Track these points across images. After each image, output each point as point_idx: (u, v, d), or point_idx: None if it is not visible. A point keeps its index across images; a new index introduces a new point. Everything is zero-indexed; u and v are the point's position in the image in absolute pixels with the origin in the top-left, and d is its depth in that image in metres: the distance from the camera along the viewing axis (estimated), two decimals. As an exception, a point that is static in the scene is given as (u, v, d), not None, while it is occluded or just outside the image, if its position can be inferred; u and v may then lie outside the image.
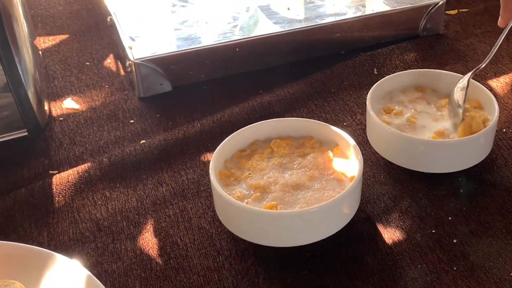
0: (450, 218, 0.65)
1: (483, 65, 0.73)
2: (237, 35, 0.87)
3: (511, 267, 0.59)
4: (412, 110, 0.74)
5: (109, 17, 0.95)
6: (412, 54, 0.92)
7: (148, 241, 0.64)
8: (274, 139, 0.68)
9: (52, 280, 0.57)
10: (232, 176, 0.64)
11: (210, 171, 0.62)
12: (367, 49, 0.92)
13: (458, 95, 0.71)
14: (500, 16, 0.73)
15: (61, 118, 0.83)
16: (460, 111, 0.69)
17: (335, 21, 0.90)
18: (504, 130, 0.76)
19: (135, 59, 0.83)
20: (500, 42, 0.72)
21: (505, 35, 0.72)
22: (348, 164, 0.65)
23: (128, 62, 0.84)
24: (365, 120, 0.78)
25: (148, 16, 0.93)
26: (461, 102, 0.70)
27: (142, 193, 0.70)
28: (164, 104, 0.84)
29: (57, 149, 0.77)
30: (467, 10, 1.02)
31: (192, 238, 0.64)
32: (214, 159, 0.64)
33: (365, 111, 0.80)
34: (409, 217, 0.65)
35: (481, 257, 0.60)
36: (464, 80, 0.72)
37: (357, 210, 0.63)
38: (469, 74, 0.72)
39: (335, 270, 0.60)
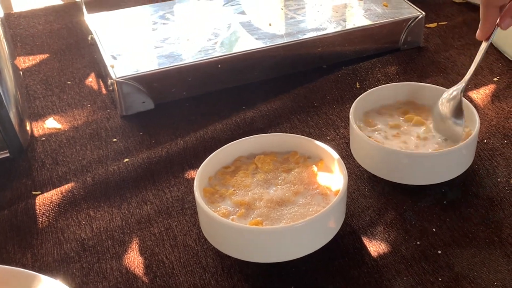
0: (434, 229, 0.66)
1: (468, 77, 0.73)
2: (218, 52, 0.88)
3: (495, 277, 0.60)
4: (395, 123, 0.75)
5: (90, 35, 0.95)
6: (393, 67, 0.94)
7: (134, 260, 0.65)
8: (258, 155, 0.69)
9: (37, 302, 0.57)
10: (217, 193, 0.65)
11: (195, 188, 0.63)
12: (349, 63, 0.94)
13: (445, 107, 0.73)
14: (479, 29, 0.71)
15: (43, 138, 0.83)
16: (451, 122, 0.71)
17: (316, 36, 0.92)
18: (485, 141, 0.78)
19: (117, 78, 0.84)
20: (482, 56, 0.71)
21: (486, 49, 0.71)
22: (333, 178, 0.66)
23: (110, 80, 0.85)
24: (349, 134, 0.79)
25: (129, 34, 0.94)
26: (449, 114, 0.72)
27: (126, 211, 0.71)
28: (147, 122, 0.85)
29: (40, 170, 0.78)
30: (446, 23, 1.05)
31: (178, 256, 0.65)
32: (198, 176, 0.65)
33: (348, 125, 0.81)
34: (394, 230, 0.67)
35: (465, 268, 0.62)
36: (450, 92, 0.73)
37: (342, 224, 0.64)
38: (459, 86, 0.73)
39: (322, 284, 0.61)
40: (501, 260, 0.62)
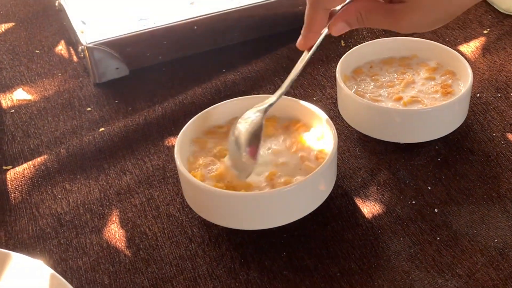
0: (429, 188, 0.64)
1: (275, 98, 0.60)
2: (194, 13, 0.85)
3: (495, 233, 0.59)
4: (383, 79, 0.73)
5: (57, 1, 0.91)
6: (378, 24, 0.91)
7: (115, 233, 0.62)
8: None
9: (12, 282, 0.54)
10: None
11: (176, 154, 0.60)
12: (332, 21, 0.91)
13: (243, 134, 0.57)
14: (301, 36, 0.59)
15: (12, 110, 0.79)
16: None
17: (297, -7, 0.89)
18: (478, 95, 0.76)
19: (88, 43, 0.80)
20: (298, 72, 0.59)
21: (307, 61, 0.59)
22: (322, 139, 0.63)
23: (80, 47, 0.81)
24: (335, 94, 0.77)
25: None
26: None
27: (104, 183, 0.68)
28: (122, 89, 0.82)
29: (10, 143, 0.74)
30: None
31: (162, 227, 0.62)
32: (179, 142, 0.62)
33: (335, 84, 0.79)
34: (388, 190, 0.64)
35: (464, 225, 0.60)
36: (252, 112, 0.59)
37: (334, 187, 0.62)
38: (261, 107, 0.59)
39: (315, 249, 0.59)
40: (501, 216, 0.60)
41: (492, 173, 0.65)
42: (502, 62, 0.81)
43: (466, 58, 0.80)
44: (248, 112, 0.59)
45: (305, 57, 0.59)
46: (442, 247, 0.58)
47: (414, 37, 0.79)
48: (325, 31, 0.59)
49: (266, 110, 0.59)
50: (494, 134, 0.70)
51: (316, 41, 0.59)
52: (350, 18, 0.57)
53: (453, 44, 0.85)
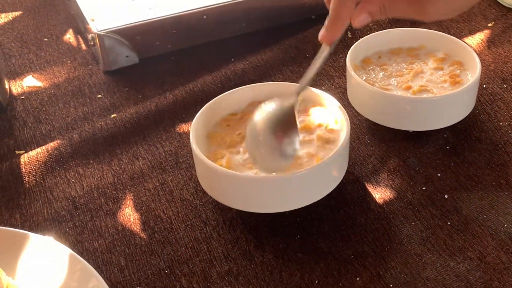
0: (439, 175, 0.65)
1: (296, 99, 0.59)
2: (203, 2, 0.85)
3: (504, 219, 0.60)
4: (392, 69, 0.74)
5: (65, -11, 0.92)
6: (384, 16, 0.92)
7: (129, 216, 0.63)
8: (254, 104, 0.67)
9: (31, 261, 0.55)
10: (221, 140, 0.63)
11: (191, 139, 0.61)
12: (338, 13, 0.92)
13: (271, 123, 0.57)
14: (325, 29, 0.57)
15: (23, 97, 0.80)
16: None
17: (304, -15, 0.90)
18: (484, 86, 0.77)
19: (99, 31, 0.80)
20: (317, 68, 0.58)
21: (325, 58, 0.58)
22: (334, 125, 0.64)
23: (91, 35, 0.82)
24: (344, 83, 0.78)
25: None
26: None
27: (117, 168, 0.69)
28: (132, 77, 0.83)
29: (22, 129, 0.75)
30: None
31: (176, 210, 0.63)
32: (194, 126, 0.63)
33: (343, 74, 0.80)
34: (398, 176, 0.66)
35: (474, 211, 0.61)
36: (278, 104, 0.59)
37: (346, 173, 0.63)
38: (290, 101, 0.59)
39: (328, 233, 0.60)
40: (510, 202, 0.62)
41: (500, 161, 0.67)
42: (507, 54, 0.82)
43: (472, 49, 0.82)
44: (269, 109, 0.59)
45: (324, 51, 0.58)
46: (453, 232, 0.59)
47: (421, 27, 0.80)
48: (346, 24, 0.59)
49: (291, 108, 0.58)
50: (501, 123, 0.71)
51: (340, 34, 0.58)
52: (373, 9, 0.56)
53: (459, 37, 0.86)
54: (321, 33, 0.58)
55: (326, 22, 0.57)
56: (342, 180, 0.62)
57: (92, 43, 0.83)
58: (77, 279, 0.53)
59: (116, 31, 0.81)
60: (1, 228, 0.57)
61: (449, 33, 0.87)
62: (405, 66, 0.75)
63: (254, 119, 0.58)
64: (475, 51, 0.81)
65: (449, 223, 0.60)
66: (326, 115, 0.66)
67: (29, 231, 0.60)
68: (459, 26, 0.89)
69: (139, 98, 0.79)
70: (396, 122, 0.70)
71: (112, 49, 0.82)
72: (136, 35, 0.83)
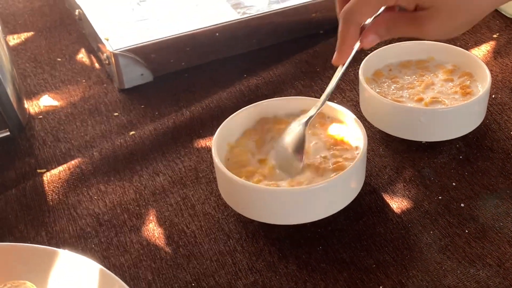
0: (454, 184, 0.67)
1: (315, 112, 0.64)
2: (215, 20, 0.88)
3: (521, 226, 0.62)
4: (403, 81, 0.76)
5: (77, 10, 0.94)
6: (391, 29, 0.94)
7: (154, 231, 0.65)
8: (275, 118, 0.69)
9: (62, 277, 0.56)
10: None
11: (213, 152, 0.63)
12: (346, 27, 0.94)
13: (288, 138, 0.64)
14: (336, 52, 0.61)
15: (40, 116, 0.82)
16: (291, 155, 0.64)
17: (311, 1, 0.92)
18: (493, 96, 0.79)
19: (114, 50, 0.82)
20: (333, 86, 0.63)
21: (339, 77, 0.63)
22: (351, 138, 0.66)
23: (105, 54, 0.84)
24: (355, 96, 0.80)
25: (118, 7, 0.92)
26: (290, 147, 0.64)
27: (139, 184, 0.70)
28: (147, 94, 0.85)
29: (42, 148, 0.76)
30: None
31: (199, 224, 0.65)
32: (216, 140, 0.64)
33: (354, 87, 0.82)
34: (414, 186, 0.67)
35: (490, 219, 0.63)
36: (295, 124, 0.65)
37: (363, 184, 0.65)
38: (302, 120, 0.64)
39: (349, 243, 0.62)
40: (524, 209, 0.64)
41: (513, 169, 0.69)
42: (514, 64, 0.84)
43: (481, 60, 0.84)
44: (292, 125, 0.65)
45: (339, 72, 0.63)
46: (471, 239, 0.61)
47: (430, 40, 0.83)
48: (356, 45, 0.62)
49: (307, 123, 0.63)
50: (511, 132, 0.73)
51: (349, 56, 0.62)
52: (380, 30, 0.60)
53: (465, 48, 0.88)
54: (334, 57, 0.62)
55: (337, 46, 0.61)
56: (360, 192, 0.64)
57: (107, 62, 0.85)
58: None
59: (131, 50, 0.83)
60: (31, 245, 0.59)
61: (455, 44, 0.90)
62: (415, 78, 0.77)
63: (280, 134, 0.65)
64: (483, 62, 0.83)
65: (466, 231, 0.62)
66: (344, 130, 0.68)
67: (56, 248, 0.62)
68: (465, 38, 0.91)
69: (156, 115, 0.81)
70: (410, 134, 0.72)
71: (127, 68, 0.84)
72: (150, 53, 0.85)
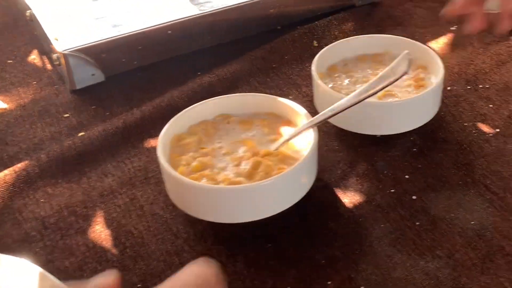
0: (407, 177, 0.68)
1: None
2: (168, 17, 0.88)
3: (472, 216, 0.62)
4: (357, 75, 0.77)
5: (28, 11, 0.93)
6: (350, 24, 0.95)
7: (100, 233, 0.64)
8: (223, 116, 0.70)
9: (2, 282, 0.56)
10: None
11: (158, 153, 0.63)
12: (303, 23, 0.95)
13: None
14: (499, 21, 0.61)
15: (-12, 120, 0.81)
16: None
17: (268, -4, 0.92)
18: (449, 88, 0.80)
19: (63, 51, 0.82)
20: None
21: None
22: (302, 133, 0.67)
23: (55, 54, 0.83)
24: (311, 92, 0.80)
25: (69, 7, 0.92)
26: None
27: (87, 186, 0.70)
28: (99, 95, 0.84)
29: (-12, 152, 0.76)
30: (398, -23, 1.07)
31: (147, 225, 0.65)
32: (161, 140, 0.64)
33: (310, 83, 0.82)
34: (367, 180, 0.68)
35: (442, 210, 0.64)
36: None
37: (315, 179, 0.65)
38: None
39: (299, 240, 0.62)
40: (476, 200, 0.64)
41: (466, 160, 0.69)
42: (470, 56, 0.85)
43: (436, 53, 0.85)
44: None
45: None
46: (422, 231, 0.62)
47: (385, 34, 0.83)
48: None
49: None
50: (465, 124, 0.74)
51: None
52: None
53: (423, 41, 0.89)
54: (498, 27, 0.61)
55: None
56: (312, 187, 0.64)
57: (57, 62, 0.84)
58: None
59: (81, 50, 0.83)
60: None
61: (413, 38, 0.90)
62: (370, 72, 0.78)
63: None
64: (439, 55, 0.84)
65: (417, 223, 0.62)
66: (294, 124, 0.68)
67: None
68: (423, 31, 0.92)
69: (107, 115, 0.81)
70: (364, 128, 0.72)
71: (77, 68, 0.83)
72: (101, 53, 0.84)
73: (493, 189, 0.65)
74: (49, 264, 0.61)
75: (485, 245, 0.59)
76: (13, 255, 0.60)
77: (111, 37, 0.85)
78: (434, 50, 0.85)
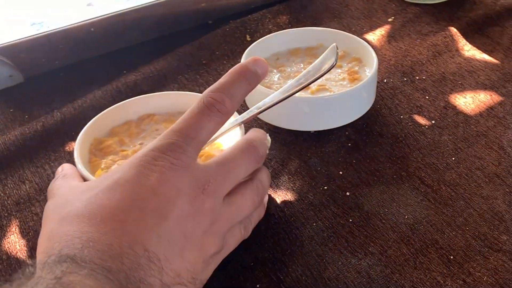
0: (341, 172, 0.68)
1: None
2: (90, 14, 0.87)
3: (405, 211, 0.63)
4: (289, 70, 0.77)
5: None
6: (284, 17, 0.96)
7: (15, 243, 0.63)
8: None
9: None
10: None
11: (76, 158, 0.62)
12: (236, 17, 0.95)
13: None
14: None
15: None
16: None
17: (198, -10, 0.92)
18: (385, 80, 0.81)
19: (-24, 51, 0.81)
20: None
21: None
22: (228, 133, 0.66)
23: (-32, 55, 0.82)
24: (243, 88, 0.80)
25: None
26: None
27: (1, 194, 0.69)
28: (17, 97, 0.83)
29: None
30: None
31: (66, 233, 0.64)
32: (79, 143, 0.64)
33: (241, 78, 0.82)
34: (300, 178, 0.68)
35: (375, 205, 0.64)
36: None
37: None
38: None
39: (227, 241, 0.62)
40: (410, 193, 0.65)
41: (401, 153, 0.70)
42: (407, 48, 0.87)
43: (372, 45, 0.86)
44: None
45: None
46: (355, 228, 0.62)
47: (320, 27, 0.84)
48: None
49: None
50: (401, 116, 0.75)
51: None
52: None
53: (360, 33, 0.91)
54: None
55: None
56: (241, 187, 0.64)
57: (-30, 64, 0.82)
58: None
59: (-4, 50, 0.81)
60: None
61: (350, 30, 0.92)
62: (303, 66, 0.78)
63: None
64: (375, 47, 0.85)
65: (350, 220, 0.63)
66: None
67: None
68: (359, 23, 0.93)
69: (25, 118, 0.79)
70: (296, 124, 0.73)
71: (-8, 69, 0.82)
72: (19, 53, 0.83)
73: (428, 181, 0.66)
74: (-41, 278, 0.60)
75: (418, 239, 0.60)
76: None
77: (30, 36, 0.84)
78: (369, 42, 0.87)
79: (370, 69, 0.75)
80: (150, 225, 0.48)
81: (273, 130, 0.75)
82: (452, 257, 0.59)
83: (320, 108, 0.71)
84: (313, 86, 0.74)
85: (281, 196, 0.66)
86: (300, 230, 0.63)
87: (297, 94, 0.72)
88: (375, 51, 0.76)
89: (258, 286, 0.58)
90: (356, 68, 0.77)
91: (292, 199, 0.66)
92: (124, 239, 0.46)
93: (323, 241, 0.61)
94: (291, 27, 0.93)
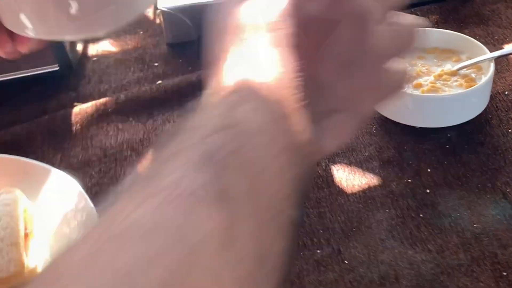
0: (429, 170, 0.63)
1: None
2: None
3: (477, 220, 0.57)
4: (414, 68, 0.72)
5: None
6: (433, 17, 0.88)
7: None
8: None
9: (49, 191, 0.61)
10: None
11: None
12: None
13: None
14: None
15: (95, 58, 0.86)
16: None
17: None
18: (506, 92, 0.73)
19: (163, 8, 0.85)
20: None
21: None
22: None
23: (158, 10, 0.86)
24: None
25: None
26: None
27: (150, 127, 0.73)
28: (189, 50, 0.86)
29: (85, 85, 0.81)
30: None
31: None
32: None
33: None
34: (389, 167, 0.64)
35: (449, 208, 0.59)
36: None
37: (340, 157, 0.63)
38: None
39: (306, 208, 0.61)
40: (489, 205, 0.59)
41: (495, 165, 0.63)
42: (541, 65, 0.76)
43: (508, 56, 0.77)
44: None
45: None
46: (422, 224, 0.58)
47: (463, 31, 0.77)
48: None
49: None
50: (510, 130, 0.67)
51: None
52: None
53: (501, 42, 0.81)
54: None
55: None
56: (335, 164, 0.62)
57: (160, 17, 0.87)
58: (80, 217, 0.58)
59: (178, 9, 0.85)
60: (33, 162, 0.63)
61: (492, 38, 0.83)
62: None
63: None
64: (510, 58, 0.76)
65: (421, 215, 0.59)
66: None
67: (63, 170, 0.67)
68: (505, 32, 0.83)
69: (188, 70, 0.82)
70: (400, 117, 0.68)
71: (173, 25, 0.86)
72: (196, 14, 0.86)
73: (510, 198, 0.59)
74: (97, 187, 0.65)
75: (478, 249, 0.55)
76: (71, 174, 0.65)
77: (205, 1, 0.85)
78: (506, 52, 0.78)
79: (485, 75, 0.68)
80: None
81: (383, 119, 0.70)
82: (505, 274, 0.52)
83: (428, 106, 0.66)
84: (425, 86, 0.68)
85: (367, 178, 0.63)
86: (373, 212, 0.60)
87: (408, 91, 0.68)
88: (509, 62, 0.68)
89: (318, 251, 0.56)
90: (473, 75, 0.70)
91: (375, 184, 0.63)
92: None
93: (389, 227, 0.58)
94: (436, 27, 0.86)
